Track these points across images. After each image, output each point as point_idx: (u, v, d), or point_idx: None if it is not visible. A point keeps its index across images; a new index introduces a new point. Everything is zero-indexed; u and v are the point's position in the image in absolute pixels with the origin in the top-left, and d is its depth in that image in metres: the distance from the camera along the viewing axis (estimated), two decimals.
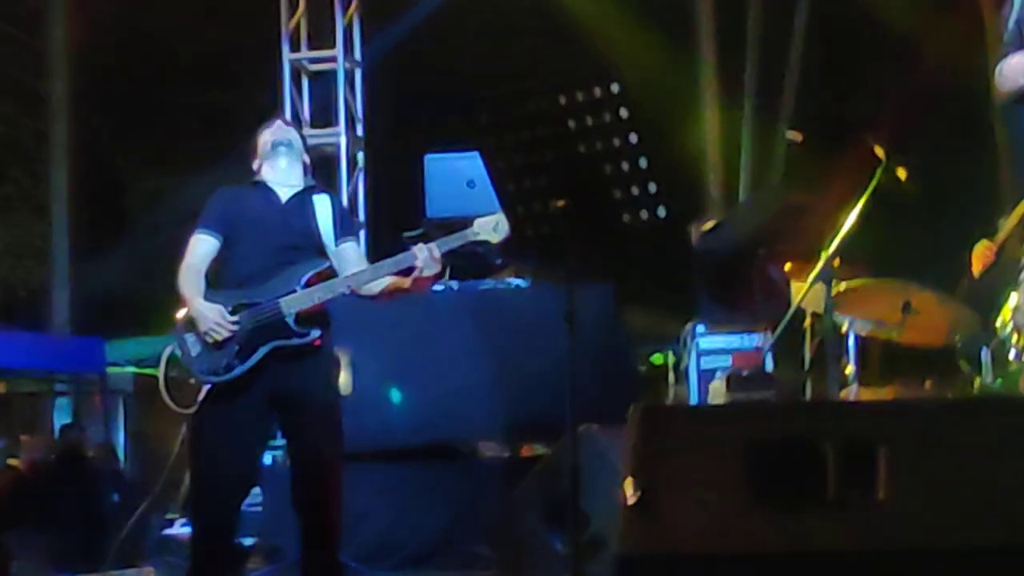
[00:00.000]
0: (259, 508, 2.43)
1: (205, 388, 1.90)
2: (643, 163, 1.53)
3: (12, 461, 3.01)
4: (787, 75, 4.29)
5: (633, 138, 1.50)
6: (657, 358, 3.26)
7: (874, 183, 1.99)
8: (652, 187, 1.52)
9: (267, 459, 2.20)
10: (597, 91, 1.51)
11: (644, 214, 1.55)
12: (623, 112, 1.50)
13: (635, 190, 1.53)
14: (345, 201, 3.89)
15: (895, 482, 0.98)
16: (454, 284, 2.90)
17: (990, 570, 0.96)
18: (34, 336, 4.94)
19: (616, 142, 1.52)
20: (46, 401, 4.56)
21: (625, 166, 1.54)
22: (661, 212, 1.56)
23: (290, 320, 1.91)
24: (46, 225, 5.30)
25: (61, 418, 4.46)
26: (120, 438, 4.08)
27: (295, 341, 1.92)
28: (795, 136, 3.12)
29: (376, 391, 2.67)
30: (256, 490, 2.39)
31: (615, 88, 1.49)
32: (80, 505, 2.94)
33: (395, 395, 2.74)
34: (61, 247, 5.28)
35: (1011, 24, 1.61)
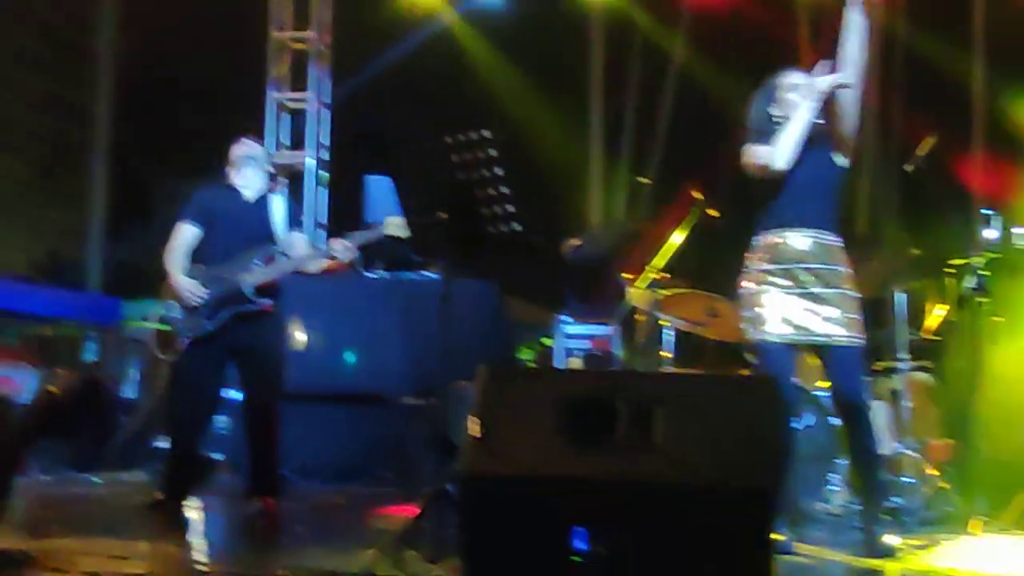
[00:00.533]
0: (227, 433, 3.21)
1: (184, 341, 2.62)
2: (504, 190, 2.15)
3: (51, 388, 3.85)
4: (656, 138, 5.62)
5: (498, 170, 2.13)
6: (547, 340, 4.14)
7: (693, 218, 2.62)
8: (510, 208, 2.14)
9: (237, 396, 2.90)
10: (473, 135, 2.12)
11: (503, 228, 2.18)
12: (492, 152, 2.12)
13: (497, 209, 2.17)
14: (311, 207, 5.21)
15: (667, 432, 1.22)
16: (386, 274, 3.79)
17: (723, 504, 1.16)
18: (74, 294, 6.34)
19: (485, 173, 2.15)
20: (79, 343, 5.70)
21: (491, 191, 2.17)
22: (516, 227, 2.19)
23: (248, 291, 2.57)
24: (86, 211, 7.12)
25: (89, 357, 5.60)
26: (135, 375, 4.95)
27: (250, 307, 2.55)
28: (644, 180, 3.92)
29: (322, 349, 3.46)
30: (224, 419, 3.16)
31: (486, 134, 2.10)
32: (96, 422, 3.78)
33: (349, 356, 3.53)
34: (97, 230, 7.13)
35: (757, 113, 2.13)
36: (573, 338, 3.69)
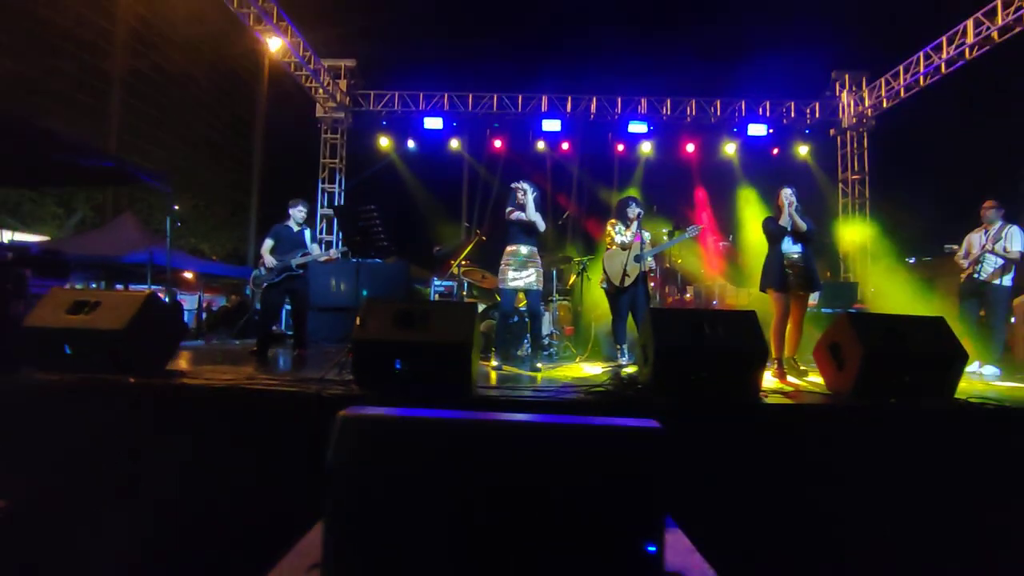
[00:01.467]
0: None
1: (266, 284, 6.39)
2: (380, 228, 6.05)
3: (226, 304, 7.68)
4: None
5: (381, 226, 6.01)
6: (426, 290, 8.08)
7: (477, 240, 6.67)
8: (383, 236, 6.05)
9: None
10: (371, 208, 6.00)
11: (383, 243, 6.06)
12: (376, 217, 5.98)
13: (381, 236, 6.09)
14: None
15: (434, 323, 5.00)
16: (356, 260, 7.61)
17: (451, 348, 5.28)
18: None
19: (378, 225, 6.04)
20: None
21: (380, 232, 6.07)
22: (385, 243, 6.11)
23: (292, 266, 6.36)
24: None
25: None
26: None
27: (293, 272, 6.38)
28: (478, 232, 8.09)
29: (327, 290, 7.40)
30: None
31: (373, 208, 5.95)
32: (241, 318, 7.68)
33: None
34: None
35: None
36: (437, 288, 7.66)
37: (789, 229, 5.23)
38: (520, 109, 11.77)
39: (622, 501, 1.16)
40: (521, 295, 5.88)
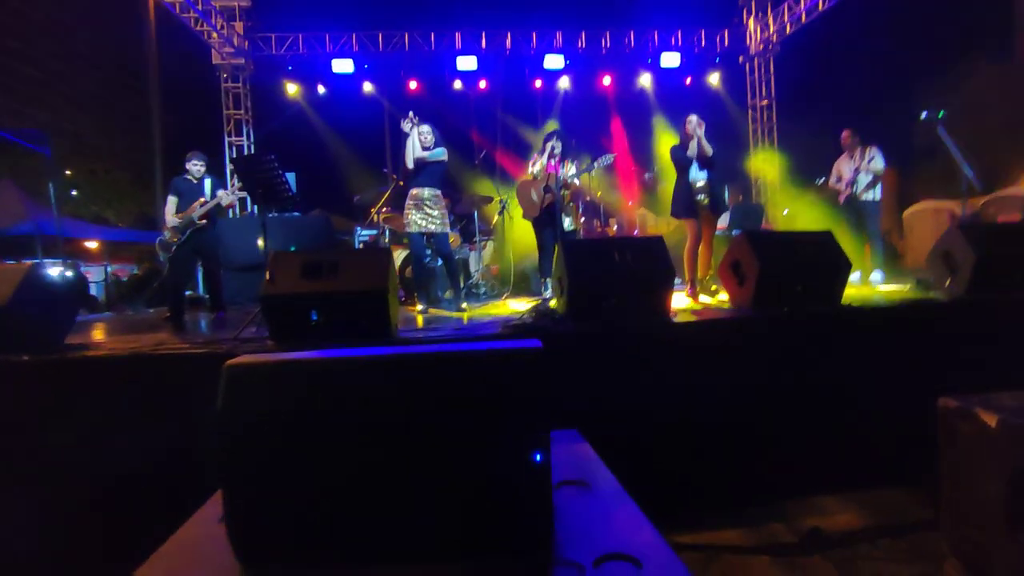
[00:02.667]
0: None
1: (174, 246, 6.04)
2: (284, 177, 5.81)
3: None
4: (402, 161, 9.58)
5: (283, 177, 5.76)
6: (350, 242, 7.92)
7: (393, 186, 6.52)
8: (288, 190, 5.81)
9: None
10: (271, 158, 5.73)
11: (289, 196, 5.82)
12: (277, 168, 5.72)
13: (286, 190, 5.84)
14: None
15: (344, 272, 5.22)
16: (274, 214, 7.30)
17: (366, 296, 5.21)
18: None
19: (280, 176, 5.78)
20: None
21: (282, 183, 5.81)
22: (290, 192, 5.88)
23: (195, 219, 6.02)
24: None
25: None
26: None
27: (198, 227, 6.05)
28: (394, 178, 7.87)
29: (249, 248, 7.07)
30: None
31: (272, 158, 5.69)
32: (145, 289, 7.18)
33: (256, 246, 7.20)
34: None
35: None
36: (362, 237, 7.47)
37: (695, 156, 5.40)
38: (433, 47, 11.33)
39: (508, 416, 1.23)
40: (428, 237, 5.85)
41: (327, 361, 1.28)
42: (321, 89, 11.71)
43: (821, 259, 3.86)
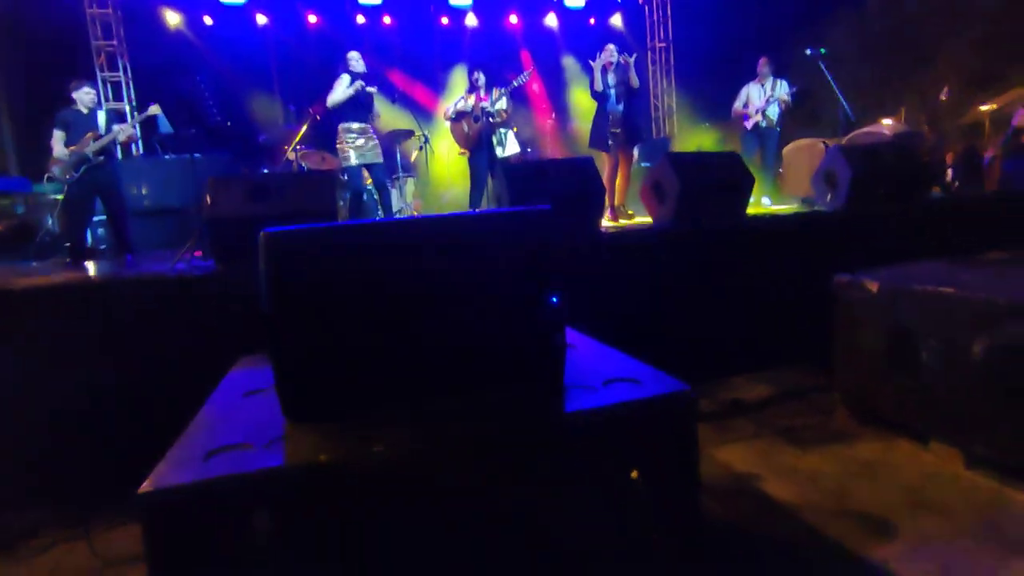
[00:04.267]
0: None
1: (66, 186, 5.52)
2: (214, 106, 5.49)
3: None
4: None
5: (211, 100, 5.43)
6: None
7: (308, 121, 6.31)
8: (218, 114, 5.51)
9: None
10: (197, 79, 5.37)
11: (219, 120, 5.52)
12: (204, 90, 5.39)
13: (214, 113, 5.53)
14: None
15: (279, 192, 5.09)
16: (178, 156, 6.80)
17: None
18: None
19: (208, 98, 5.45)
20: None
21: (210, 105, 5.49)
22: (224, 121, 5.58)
23: (89, 155, 5.52)
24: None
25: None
26: None
27: (94, 163, 5.55)
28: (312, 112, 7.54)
29: (155, 190, 6.54)
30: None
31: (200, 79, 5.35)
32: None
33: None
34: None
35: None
36: None
37: (612, 86, 5.69)
38: None
39: (528, 265, 1.44)
40: (366, 171, 5.81)
41: (365, 226, 1.41)
42: (208, 20, 10.73)
43: (729, 175, 4.32)
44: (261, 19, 10.94)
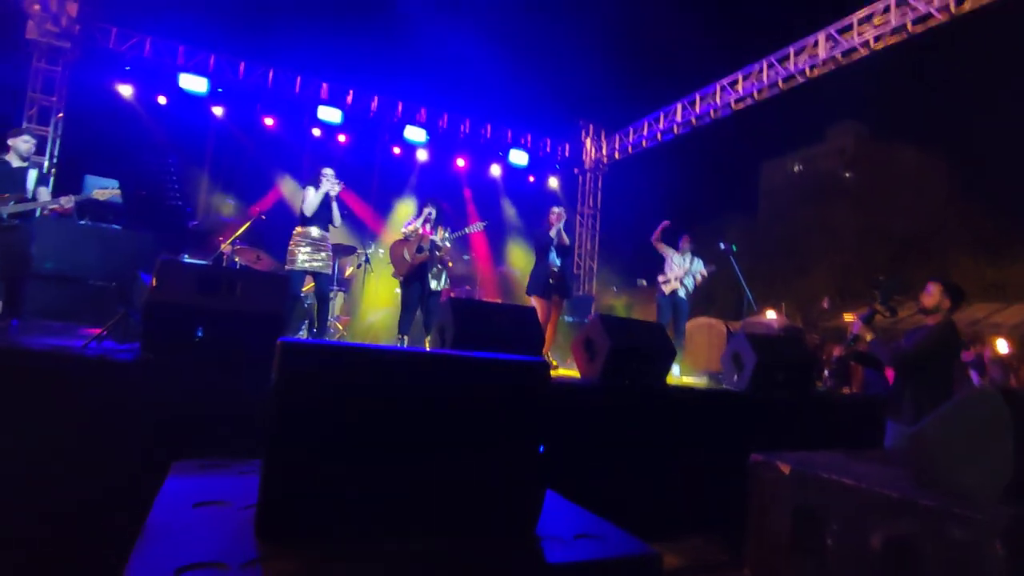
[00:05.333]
0: None
1: None
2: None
3: None
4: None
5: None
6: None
7: (253, 219, 6.34)
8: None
9: None
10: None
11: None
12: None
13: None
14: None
15: (242, 292, 4.89)
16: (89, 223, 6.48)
17: (264, 318, 4.90)
18: None
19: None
20: None
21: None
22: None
23: (3, 216, 5.14)
24: None
25: None
26: None
27: (5, 224, 5.16)
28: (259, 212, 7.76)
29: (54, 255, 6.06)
30: None
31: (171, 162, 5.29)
32: None
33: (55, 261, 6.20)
34: None
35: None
36: None
37: (555, 242, 6.21)
38: (298, 91, 11.26)
39: (523, 413, 1.54)
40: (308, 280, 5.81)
41: (379, 352, 1.48)
42: (162, 100, 10.79)
43: (653, 344, 4.72)
44: (217, 110, 11.15)
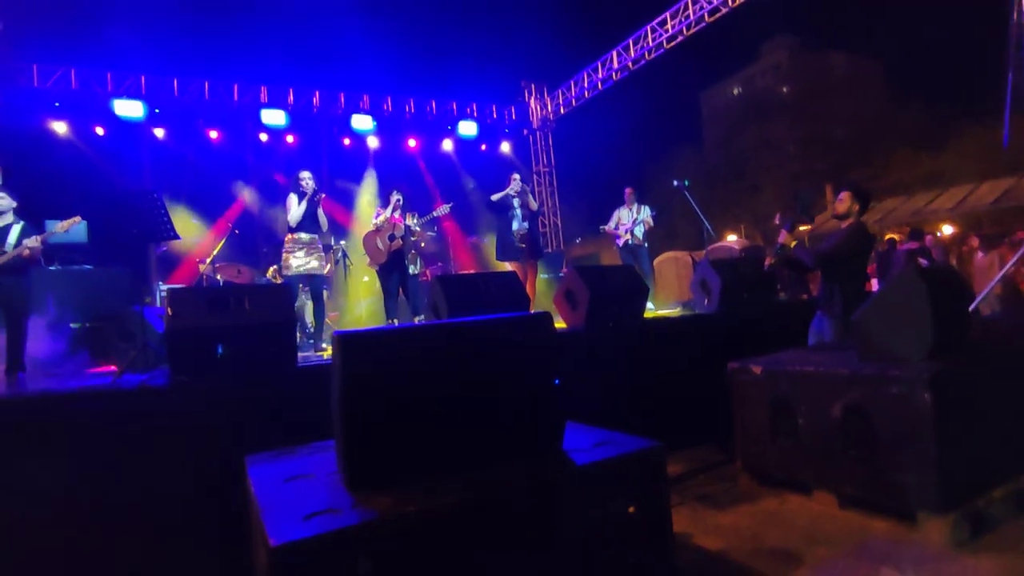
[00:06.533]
0: None
1: None
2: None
3: None
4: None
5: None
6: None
7: (229, 233, 6.50)
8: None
9: None
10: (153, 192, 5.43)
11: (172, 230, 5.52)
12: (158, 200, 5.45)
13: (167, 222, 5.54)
14: None
15: (250, 306, 5.10)
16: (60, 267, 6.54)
17: (272, 327, 5.12)
18: None
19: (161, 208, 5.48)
20: None
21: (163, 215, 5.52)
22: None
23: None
24: None
25: None
26: None
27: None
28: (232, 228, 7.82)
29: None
30: None
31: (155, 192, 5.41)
32: None
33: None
34: None
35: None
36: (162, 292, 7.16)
37: (519, 204, 6.54)
38: (237, 99, 11.16)
39: (536, 352, 1.92)
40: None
41: (417, 329, 1.83)
42: (100, 130, 10.61)
43: (628, 285, 5.14)
44: (159, 132, 11.01)
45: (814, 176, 24.72)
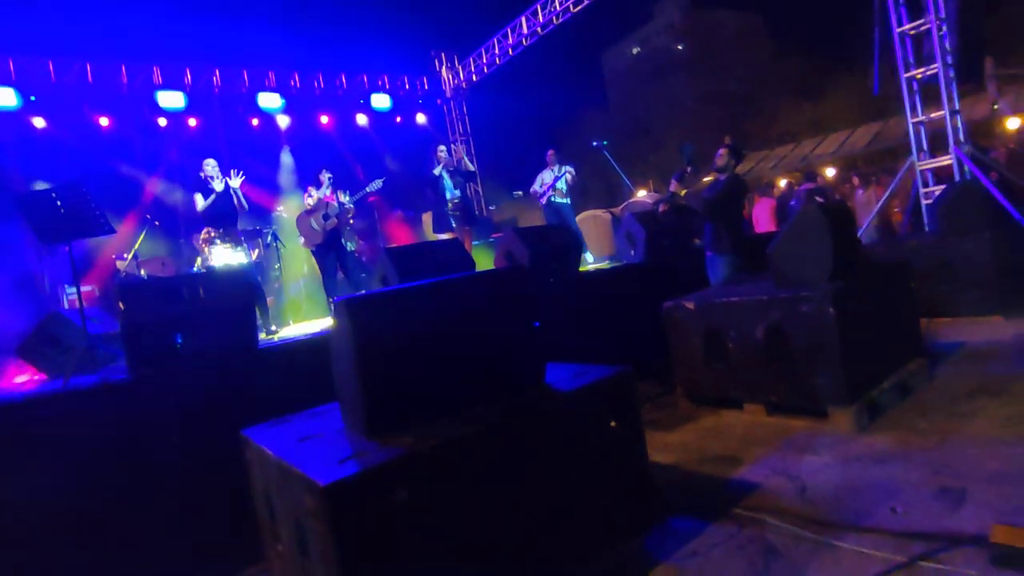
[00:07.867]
0: None
1: None
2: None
3: None
4: None
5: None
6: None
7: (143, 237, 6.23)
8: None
9: None
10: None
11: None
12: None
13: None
14: None
15: None
16: None
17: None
18: None
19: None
20: None
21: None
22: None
23: None
24: None
25: None
26: None
27: None
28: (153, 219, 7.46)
29: None
30: None
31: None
32: None
33: None
34: None
35: None
36: (69, 295, 6.79)
37: (449, 172, 6.70)
38: (126, 80, 10.38)
39: (518, 300, 2.18)
40: None
41: (411, 289, 2.03)
42: None
43: (563, 242, 5.48)
44: (38, 122, 10.09)
45: (713, 130, 26.15)
